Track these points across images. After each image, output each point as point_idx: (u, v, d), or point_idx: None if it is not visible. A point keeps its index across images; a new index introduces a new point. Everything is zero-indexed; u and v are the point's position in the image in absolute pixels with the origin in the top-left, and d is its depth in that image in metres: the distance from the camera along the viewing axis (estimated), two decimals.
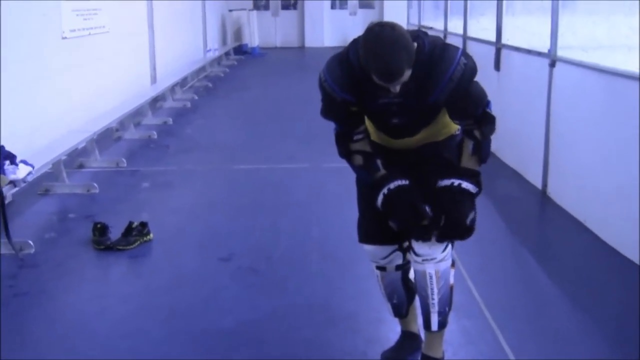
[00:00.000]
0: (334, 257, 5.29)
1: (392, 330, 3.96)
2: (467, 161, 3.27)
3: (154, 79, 12.63)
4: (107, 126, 8.49)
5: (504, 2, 8.34)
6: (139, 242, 5.50)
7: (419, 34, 3.07)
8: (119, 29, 10.38)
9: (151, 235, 5.60)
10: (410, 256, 3.43)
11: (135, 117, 10.19)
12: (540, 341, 4.00)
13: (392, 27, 2.87)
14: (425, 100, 3.07)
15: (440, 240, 3.29)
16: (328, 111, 3.33)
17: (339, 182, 7.31)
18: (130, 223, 5.53)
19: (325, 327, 4.16)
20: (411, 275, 3.62)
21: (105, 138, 8.98)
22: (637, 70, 5.02)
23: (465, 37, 10.40)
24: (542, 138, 6.56)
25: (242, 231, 5.91)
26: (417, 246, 3.34)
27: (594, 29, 5.93)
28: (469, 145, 3.25)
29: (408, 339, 3.77)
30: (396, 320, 3.84)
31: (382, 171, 3.34)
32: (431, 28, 14.12)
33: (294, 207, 6.57)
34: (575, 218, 5.97)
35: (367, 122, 3.39)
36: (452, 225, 3.24)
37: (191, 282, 4.90)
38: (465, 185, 3.21)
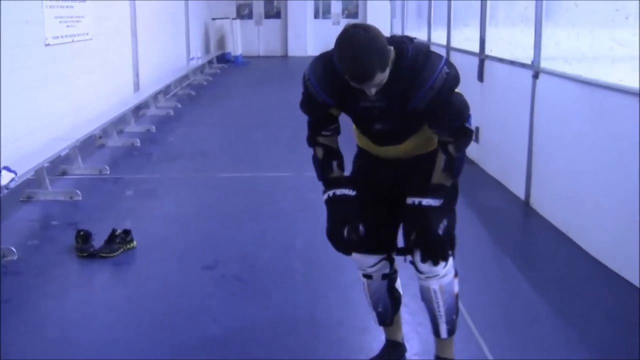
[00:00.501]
0: (318, 266, 5.29)
1: (376, 339, 3.97)
2: (438, 176, 3.26)
3: (137, 87, 12.61)
4: (90, 133, 8.47)
5: (488, 13, 8.39)
6: (122, 250, 5.48)
7: (403, 40, 3.07)
8: (102, 37, 10.36)
9: (134, 242, 5.58)
10: (414, 272, 3.45)
11: (118, 124, 10.17)
12: (523, 350, 4.02)
13: (365, 29, 2.85)
14: (405, 108, 3.06)
15: (424, 260, 3.30)
16: (306, 107, 3.37)
17: (322, 190, 7.33)
18: (114, 230, 5.51)
19: (310, 336, 4.16)
20: (397, 284, 3.66)
21: (88, 145, 8.96)
22: (620, 83, 5.07)
23: (448, 48, 10.44)
24: (525, 149, 6.60)
25: (226, 239, 5.90)
26: (419, 264, 3.36)
27: (577, 41, 5.97)
28: (441, 161, 3.24)
29: (392, 347, 3.77)
30: (380, 329, 3.85)
31: (336, 173, 3.42)
32: (414, 38, 14.14)
33: (278, 215, 6.57)
34: (557, 228, 6.00)
35: (354, 126, 3.43)
36: (423, 240, 3.25)
37: (175, 290, 4.89)
38: (426, 202, 3.21)
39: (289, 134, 10.55)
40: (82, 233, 5.48)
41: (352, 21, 22.64)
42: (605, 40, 5.48)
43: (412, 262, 3.40)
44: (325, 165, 3.44)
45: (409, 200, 3.25)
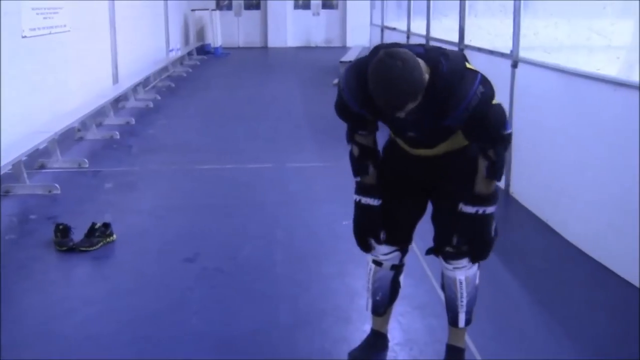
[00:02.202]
0: (300, 257, 5.28)
1: (358, 330, 3.98)
2: (482, 182, 3.28)
3: (116, 79, 12.54)
4: (68, 126, 8.42)
5: (467, 3, 8.39)
6: (102, 243, 5.45)
7: (439, 57, 2.98)
8: (81, 28, 10.29)
9: (114, 236, 5.55)
10: (440, 262, 3.55)
11: (97, 117, 10.10)
12: (505, 340, 4.04)
13: (402, 61, 2.79)
14: (439, 124, 3.09)
15: (474, 261, 3.48)
16: (341, 112, 3.36)
17: (303, 181, 7.36)
18: (93, 224, 5.48)
19: (292, 327, 4.16)
20: (401, 277, 3.68)
21: (67, 138, 8.91)
22: (598, 72, 5.10)
23: (428, 38, 10.45)
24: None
25: (207, 232, 5.88)
26: (449, 255, 3.47)
27: (555, 31, 5.99)
28: (483, 167, 3.25)
29: (376, 338, 3.77)
30: (363, 320, 3.86)
31: (370, 176, 3.46)
32: (394, 29, 14.18)
33: (258, 207, 6.55)
34: (538, 217, 6.04)
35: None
36: (480, 247, 3.40)
37: (156, 283, 4.87)
38: (489, 210, 3.31)
39: (269, 126, 10.56)
40: (61, 227, 5.44)
41: (332, 12, 22.64)
42: (583, 30, 5.51)
43: (440, 254, 3.51)
44: (361, 165, 3.47)
45: (470, 209, 3.30)
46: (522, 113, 6.43)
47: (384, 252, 3.57)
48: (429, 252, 3.56)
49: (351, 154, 3.49)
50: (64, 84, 9.39)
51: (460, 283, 3.47)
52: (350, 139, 3.47)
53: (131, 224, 6.02)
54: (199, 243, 5.58)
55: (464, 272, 3.47)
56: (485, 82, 3.02)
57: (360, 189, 3.49)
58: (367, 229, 3.50)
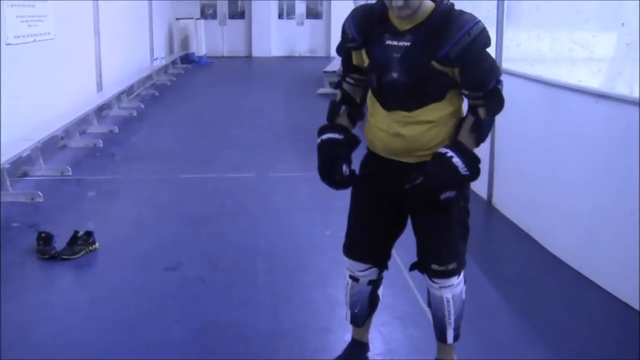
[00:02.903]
0: (282, 267, 5.29)
1: (339, 340, 3.99)
2: (464, 137, 3.22)
3: (100, 87, 12.50)
4: (52, 134, 8.39)
5: None
6: (84, 252, 5.44)
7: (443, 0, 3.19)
8: (65, 36, 10.25)
9: (97, 244, 5.55)
10: (426, 280, 3.50)
11: (80, 125, 10.07)
12: (485, 350, 4.06)
13: None
14: (434, 53, 3.08)
15: (416, 198, 3.27)
16: (340, 46, 3.45)
17: (285, 191, 7.37)
18: (76, 232, 5.47)
19: (273, 337, 4.17)
20: (379, 291, 3.68)
21: (50, 146, 8.87)
22: (580, 83, 5.15)
23: None
24: (487, 148, 6.64)
25: (189, 241, 5.88)
26: (435, 274, 3.40)
27: (538, 42, 6.03)
28: (469, 121, 3.22)
29: (356, 347, 3.78)
30: (344, 329, 3.87)
31: (341, 118, 3.50)
32: None
33: (240, 216, 6.56)
34: (519, 227, 6.07)
35: (372, 107, 3.40)
36: (425, 191, 3.18)
37: (137, 291, 4.87)
38: (456, 160, 3.14)
39: (252, 135, 10.58)
40: (43, 235, 5.43)
41: (316, 22, 22.73)
42: (565, 41, 5.55)
43: (427, 271, 3.44)
44: (337, 107, 3.52)
45: (441, 149, 3.18)
46: (505, 124, 6.44)
47: (361, 269, 3.55)
48: (412, 267, 3.52)
49: (332, 100, 3.56)
50: (48, 91, 9.35)
51: (448, 301, 3.45)
52: (338, 85, 3.56)
53: (114, 233, 6.01)
54: (180, 252, 5.58)
55: (451, 291, 3.44)
56: (483, 26, 3.13)
57: (325, 129, 3.49)
58: (331, 160, 3.41)
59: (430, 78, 3.15)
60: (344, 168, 3.39)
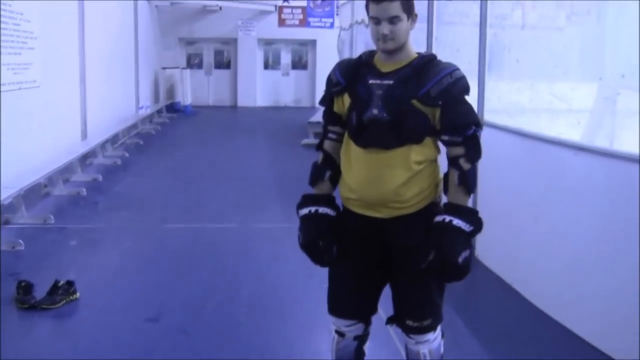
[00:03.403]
0: (264, 318, 5.27)
1: None
2: (454, 193, 3.25)
3: (84, 135, 12.52)
4: (35, 182, 8.36)
5: None
6: (64, 302, 5.40)
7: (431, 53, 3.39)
8: (51, 84, 10.29)
9: (77, 294, 5.51)
10: (404, 336, 3.49)
11: (64, 173, 10.06)
12: None
13: None
14: (415, 91, 3.16)
15: (435, 277, 3.26)
16: (323, 96, 3.52)
17: (268, 242, 7.36)
18: (56, 281, 5.43)
19: None
20: (365, 346, 3.66)
21: (33, 194, 8.84)
22: (560, 136, 5.20)
23: None
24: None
25: (171, 291, 5.85)
26: (411, 329, 3.40)
27: (518, 95, 6.11)
28: (454, 176, 3.24)
29: None
30: None
31: (325, 185, 3.49)
32: None
33: (223, 267, 6.54)
34: (502, 280, 6.07)
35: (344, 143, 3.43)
36: (443, 262, 3.16)
37: (118, 343, 4.82)
38: (456, 222, 3.17)
39: (236, 185, 10.59)
40: (23, 284, 5.39)
41: (301, 73, 22.89)
42: (545, 94, 5.62)
43: (403, 326, 3.43)
44: (320, 170, 3.50)
45: (438, 218, 3.20)
46: (487, 175, 6.48)
47: (346, 325, 3.54)
48: (389, 321, 3.50)
49: (315, 162, 3.55)
50: (32, 139, 9.35)
51: (425, 356, 3.44)
52: (319, 145, 3.55)
53: (95, 282, 5.98)
54: (162, 302, 5.54)
55: (428, 346, 3.44)
56: (464, 74, 3.24)
57: (312, 200, 3.47)
58: (321, 236, 3.38)
59: (409, 115, 3.20)
60: (334, 249, 3.40)
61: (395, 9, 3.12)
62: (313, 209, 3.43)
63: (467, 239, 3.19)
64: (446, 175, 3.31)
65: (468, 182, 3.24)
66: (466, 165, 3.23)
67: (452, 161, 3.26)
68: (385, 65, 3.28)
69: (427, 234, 3.20)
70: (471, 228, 3.19)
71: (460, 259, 3.14)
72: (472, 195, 3.33)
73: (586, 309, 4.86)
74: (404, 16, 3.15)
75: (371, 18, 3.20)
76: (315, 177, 3.51)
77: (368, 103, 3.25)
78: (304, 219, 3.45)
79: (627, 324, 4.40)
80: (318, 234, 3.39)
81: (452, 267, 3.15)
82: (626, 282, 4.41)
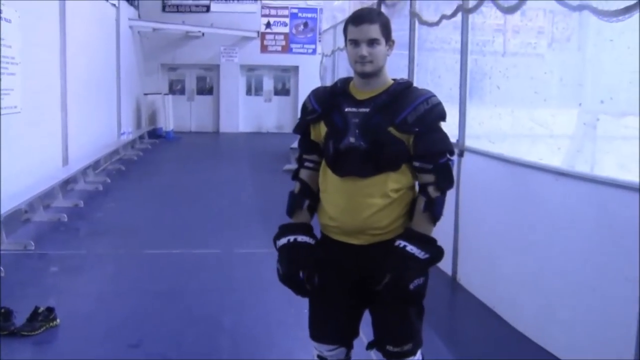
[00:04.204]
0: (246, 345, 5.25)
1: None
2: (418, 219, 3.25)
3: (65, 161, 12.48)
4: (15, 208, 8.32)
5: None
6: (44, 328, 5.35)
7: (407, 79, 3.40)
8: (31, 110, 10.28)
9: (58, 320, 5.46)
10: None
11: (45, 199, 10.01)
12: None
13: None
14: (392, 119, 3.17)
15: (387, 299, 3.25)
16: (298, 123, 3.53)
17: (251, 267, 7.34)
18: (36, 308, 5.39)
19: None
20: None
21: (13, 220, 8.79)
22: (540, 161, 5.24)
23: None
24: (452, 225, 6.70)
25: (152, 317, 5.82)
26: (391, 355, 3.39)
27: (499, 121, 6.16)
28: (421, 202, 3.24)
29: None
30: None
31: (303, 214, 3.46)
32: None
33: (205, 293, 6.51)
34: (484, 304, 6.08)
35: (324, 181, 3.41)
36: (393, 286, 3.16)
37: None
38: (410, 248, 3.16)
39: (219, 211, 10.56)
40: (2, 311, 5.34)
41: (283, 99, 22.98)
42: (525, 120, 5.67)
43: (381, 352, 3.42)
44: (298, 200, 3.48)
45: (395, 242, 3.19)
46: (468, 201, 6.55)
47: (328, 349, 3.53)
48: (370, 346, 3.49)
49: (291, 192, 3.52)
50: (13, 164, 9.31)
51: None
52: (295, 175, 3.54)
53: (76, 309, 5.93)
54: (144, 329, 5.51)
55: None
56: (440, 100, 3.26)
57: (290, 230, 3.44)
58: (301, 266, 3.35)
59: (386, 144, 3.21)
60: (315, 279, 3.39)
61: (375, 31, 3.16)
62: (292, 237, 3.41)
63: (422, 266, 3.20)
64: (414, 201, 3.32)
65: (434, 210, 3.25)
66: (434, 193, 3.24)
67: (422, 188, 3.27)
68: (360, 92, 3.30)
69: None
70: (426, 256, 3.19)
71: (411, 286, 3.15)
72: (437, 223, 3.30)
73: (568, 334, 4.87)
74: (382, 40, 3.19)
75: (350, 41, 3.22)
76: (293, 206, 3.49)
77: (344, 132, 3.26)
78: (283, 249, 3.42)
79: (610, 348, 4.41)
80: (298, 265, 3.37)
81: (403, 292, 3.17)
82: (609, 305, 4.43)
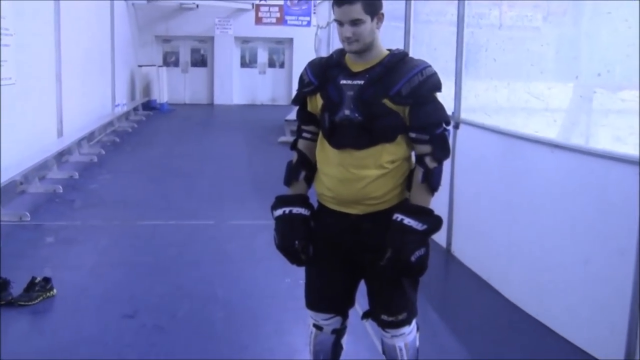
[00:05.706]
0: (239, 316, 5.27)
1: None
2: (416, 191, 3.26)
3: (60, 133, 12.45)
4: (10, 179, 8.32)
5: None
6: (41, 298, 5.38)
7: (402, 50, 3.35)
8: (26, 82, 10.23)
9: (54, 290, 5.49)
10: (379, 330, 3.51)
11: (40, 170, 9.99)
12: None
13: None
14: (386, 91, 3.17)
15: (392, 274, 3.27)
16: (296, 95, 3.52)
17: (244, 239, 7.36)
18: (33, 278, 5.41)
19: None
20: (343, 340, 3.68)
21: (9, 191, 8.78)
22: (536, 134, 5.25)
23: None
24: (447, 197, 6.72)
25: (147, 288, 5.84)
26: (386, 324, 3.42)
27: (495, 94, 6.15)
28: (419, 173, 3.24)
29: None
30: None
31: (300, 185, 3.49)
32: None
33: (199, 264, 6.53)
34: (478, 275, 6.12)
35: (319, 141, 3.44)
36: (395, 260, 3.18)
37: (94, 339, 4.81)
38: (407, 221, 3.18)
39: (213, 183, 10.58)
40: (0, 281, 5.36)
41: (278, 71, 22.88)
42: (522, 93, 5.67)
43: (379, 321, 3.45)
44: (295, 170, 3.50)
45: (393, 216, 3.21)
46: (463, 173, 6.56)
47: (324, 318, 3.56)
48: (365, 316, 3.53)
49: (289, 162, 3.54)
50: (7, 136, 9.28)
51: (401, 350, 3.46)
52: (294, 145, 3.56)
53: (72, 279, 5.96)
54: (138, 299, 5.53)
55: (403, 339, 3.46)
56: (435, 71, 3.24)
57: (285, 201, 3.47)
58: (296, 236, 3.39)
59: (381, 115, 3.21)
60: (310, 249, 3.42)
61: (356, 12, 3.11)
62: (287, 209, 3.43)
63: (421, 238, 3.21)
64: (412, 172, 3.33)
65: (431, 181, 3.25)
66: (432, 164, 3.24)
67: (419, 159, 3.28)
68: (355, 64, 3.29)
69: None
70: (424, 227, 3.20)
71: (413, 258, 3.17)
72: (435, 193, 3.31)
73: (561, 304, 4.91)
74: (366, 18, 3.13)
75: (335, 20, 3.21)
76: (290, 177, 3.52)
77: (340, 104, 3.26)
78: (279, 220, 3.45)
79: (601, 317, 4.46)
80: (294, 235, 3.39)
81: (405, 265, 3.18)
82: (601, 276, 4.47)
